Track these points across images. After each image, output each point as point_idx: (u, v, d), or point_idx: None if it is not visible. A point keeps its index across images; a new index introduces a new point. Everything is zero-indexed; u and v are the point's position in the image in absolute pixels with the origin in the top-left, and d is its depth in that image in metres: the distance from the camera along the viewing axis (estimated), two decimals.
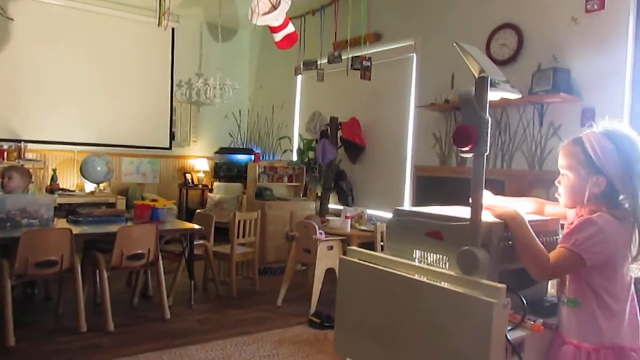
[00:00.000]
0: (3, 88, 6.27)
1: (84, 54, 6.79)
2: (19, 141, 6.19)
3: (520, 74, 4.13)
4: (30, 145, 6.28)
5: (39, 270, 3.31)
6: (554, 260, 1.39)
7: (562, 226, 1.59)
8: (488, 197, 1.59)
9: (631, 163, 1.40)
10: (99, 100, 6.92)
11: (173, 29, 7.34)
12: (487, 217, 1.44)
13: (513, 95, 1.54)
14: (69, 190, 6.37)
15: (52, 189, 6.17)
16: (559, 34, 4.01)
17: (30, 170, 4.72)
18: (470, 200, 1.37)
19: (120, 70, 7.07)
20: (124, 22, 7.01)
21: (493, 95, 1.45)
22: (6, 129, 6.25)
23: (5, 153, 5.97)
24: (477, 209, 1.35)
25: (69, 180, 6.67)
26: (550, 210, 1.65)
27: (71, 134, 6.71)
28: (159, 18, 2.93)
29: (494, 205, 1.51)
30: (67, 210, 5.07)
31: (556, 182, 1.57)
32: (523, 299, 1.35)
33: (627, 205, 1.42)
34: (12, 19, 3.13)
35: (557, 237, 1.54)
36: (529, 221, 1.44)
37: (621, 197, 1.43)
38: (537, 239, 1.40)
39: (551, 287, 1.66)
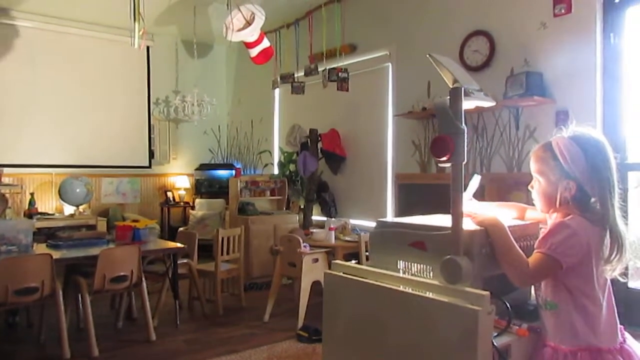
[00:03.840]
0: None
1: (60, 75, 6.71)
2: None
3: (495, 79, 4.21)
4: (5, 170, 6.16)
5: (20, 298, 3.23)
6: (532, 265, 1.41)
7: None
8: (472, 205, 1.62)
9: (598, 167, 1.43)
10: (76, 121, 6.84)
11: (148, 47, 7.30)
12: (468, 225, 1.45)
13: (487, 104, 1.57)
14: (48, 214, 6.26)
15: (31, 213, 6.05)
16: (530, 39, 4.09)
17: (7, 195, 4.64)
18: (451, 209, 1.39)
19: (97, 90, 7.00)
20: (98, 42, 6.96)
21: (468, 105, 1.47)
22: None
23: None
24: (457, 217, 1.37)
25: (48, 203, 6.56)
26: (531, 215, 1.68)
27: (48, 156, 6.61)
28: (135, 38, 2.92)
29: (475, 213, 1.53)
30: (46, 235, 4.98)
31: (529, 187, 1.60)
32: (507, 304, 1.37)
33: (598, 208, 1.45)
34: None
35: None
36: (509, 227, 1.46)
37: (592, 200, 1.46)
38: (516, 246, 1.43)
39: (534, 290, 1.68)
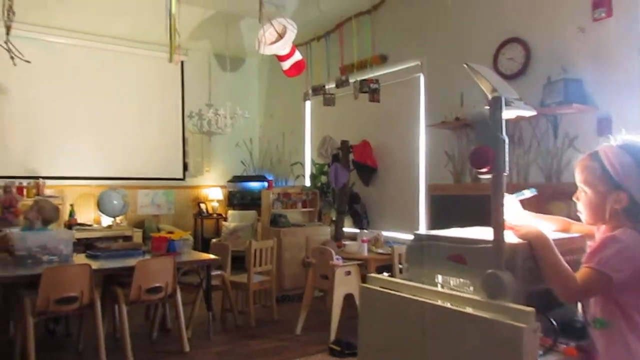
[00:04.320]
0: (22, 127, 6.40)
1: (97, 90, 6.91)
2: (37, 178, 6.27)
3: (530, 87, 4.11)
4: (48, 182, 6.36)
5: (60, 307, 3.31)
6: (581, 281, 1.34)
7: None
8: (516, 211, 1.56)
9: None
10: (113, 134, 7.02)
11: (182, 62, 7.45)
12: (510, 238, 1.41)
13: (528, 113, 1.53)
14: (87, 225, 6.42)
15: (70, 224, 6.22)
16: (567, 45, 3.99)
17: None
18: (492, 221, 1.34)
19: (133, 104, 7.18)
20: (134, 57, 7.15)
21: (507, 114, 1.44)
22: (25, 166, 6.36)
23: (25, 190, 6.05)
24: (499, 230, 1.32)
25: (87, 214, 6.73)
26: (577, 229, 1.60)
27: (87, 169, 6.80)
28: (171, 54, 2.97)
29: (517, 225, 1.48)
30: (85, 245, 5.11)
31: (574, 198, 1.53)
32: (553, 321, 1.31)
33: None
34: (29, 62, 3.20)
35: (584, 255, 1.50)
36: (554, 240, 1.40)
37: None
38: (562, 260, 1.36)
39: (581, 307, 1.61)
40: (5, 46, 3.13)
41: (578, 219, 1.58)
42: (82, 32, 6.65)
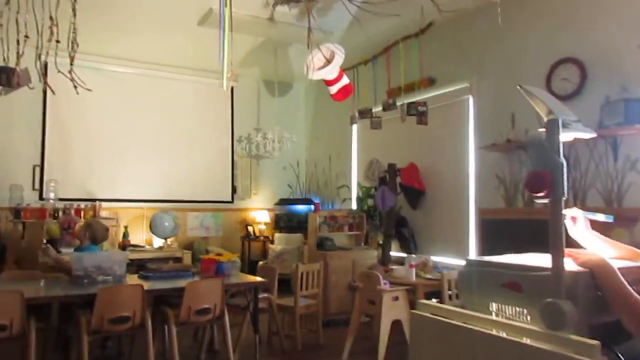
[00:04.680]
0: (82, 152, 6.72)
1: (152, 116, 7.20)
2: (94, 200, 6.54)
3: (587, 108, 3.97)
4: (104, 204, 6.62)
5: (114, 326, 3.39)
6: None
7: None
8: (581, 228, 1.48)
9: None
10: (166, 158, 7.26)
11: (232, 88, 7.66)
12: (570, 265, 1.35)
13: (586, 135, 1.48)
14: (139, 246, 6.61)
15: (124, 245, 6.43)
16: (626, 63, 3.84)
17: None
18: (550, 248, 1.29)
19: (185, 129, 7.43)
20: (187, 84, 7.42)
21: (565, 137, 1.39)
22: (83, 189, 6.65)
23: (82, 212, 6.31)
24: (558, 257, 1.27)
25: (139, 236, 6.94)
26: None
27: (141, 191, 7.04)
28: (224, 81, 3.07)
29: (577, 252, 1.41)
30: (137, 266, 5.25)
31: None
32: (621, 356, 1.23)
33: None
34: (90, 90, 3.38)
35: None
36: (619, 268, 1.33)
37: None
38: (630, 289, 1.29)
39: None
40: (69, 76, 3.31)
41: None
42: (139, 60, 6.97)
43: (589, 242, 1.50)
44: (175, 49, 6.57)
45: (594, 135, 1.48)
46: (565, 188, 1.29)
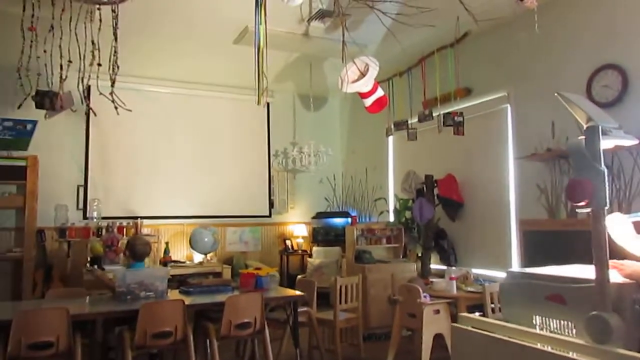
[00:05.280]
0: (123, 171, 6.93)
1: (190, 134, 7.38)
2: (136, 218, 6.72)
3: (630, 115, 3.85)
4: (145, 221, 6.79)
5: (156, 342, 3.47)
6: None
7: None
8: (626, 233, 1.44)
9: None
10: (205, 174, 7.41)
11: (268, 104, 7.79)
12: (615, 277, 1.31)
13: (628, 142, 1.44)
14: (180, 262, 6.74)
15: (165, 261, 6.57)
16: None
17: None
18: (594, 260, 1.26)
19: (222, 145, 7.57)
20: (224, 102, 7.58)
21: (606, 144, 1.36)
22: (124, 207, 6.84)
23: (125, 230, 6.50)
24: (602, 268, 1.24)
25: (179, 251, 7.08)
26: None
27: (180, 208, 7.19)
28: (259, 97, 3.14)
29: (622, 264, 1.37)
30: (178, 281, 5.35)
31: None
32: None
33: None
34: (130, 110, 3.52)
35: None
36: None
37: None
38: None
39: None
40: (110, 97, 3.45)
41: None
42: (177, 80, 7.17)
43: (637, 248, 1.45)
44: (212, 67, 6.74)
45: (635, 142, 1.44)
46: (608, 197, 1.26)
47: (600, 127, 1.32)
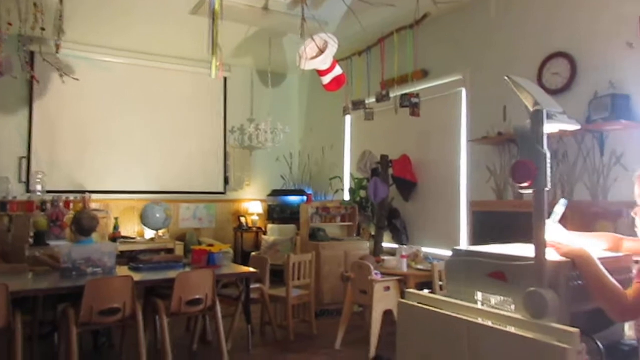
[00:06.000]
0: (71, 143, 6.67)
1: (143, 107, 7.16)
2: (84, 192, 6.51)
3: (576, 103, 4.00)
4: (94, 196, 6.59)
5: (103, 318, 3.40)
6: (633, 298, 1.29)
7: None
8: (558, 232, 1.51)
9: None
10: (158, 149, 7.23)
11: (225, 78, 7.64)
12: (552, 256, 1.36)
13: (571, 127, 1.49)
14: (130, 238, 6.60)
15: (115, 237, 6.42)
16: (615, 60, 3.87)
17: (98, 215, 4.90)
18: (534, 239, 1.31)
19: (176, 120, 7.40)
20: (179, 74, 7.38)
21: (550, 128, 1.40)
22: (71, 181, 6.60)
23: (72, 204, 6.28)
24: (541, 247, 1.29)
25: (130, 228, 6.92)
26: (628, 245, 1.54)
27: (132, 183, 7.01)
28: (213, 70, 3.06)
29: (559, 243, 1.43)
30: (128, 258, 5.24)
31: (633, 214, 1.48)
32: (599, 343, 1.26)
33: None
34: (77, 79, 3.36)
35: (631, 274, 1.44)
36: (600, 258, 1.35)
37: None
38: (610, 278, 1.31)
39: (628, 328, 1.53)
40: (55, 65, 3.29)
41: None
42: (130, 50, 6.92)
43: (577, 242, 1.51)
44: (168, 38, 6.53)
45: (578, 127, 1.50)
46: (549, 179, 1.30)
47: (545, 112, 1.35)
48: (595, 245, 1.51)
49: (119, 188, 6.93)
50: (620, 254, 1.50)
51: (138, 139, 7.11)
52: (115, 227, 6.56)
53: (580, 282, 1.33)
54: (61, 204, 6.16)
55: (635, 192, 1.45)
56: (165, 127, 7.31)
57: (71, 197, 6.38)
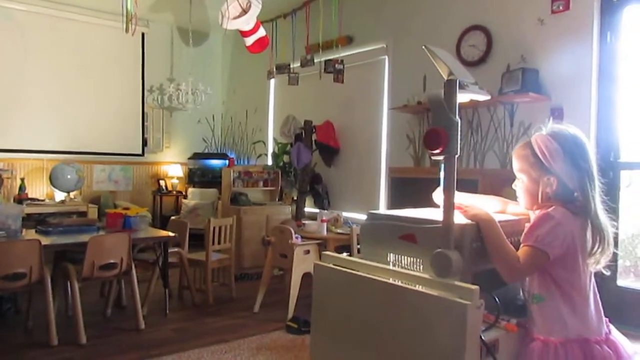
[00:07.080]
0: None
1: (53, 60, 6.64)
2: None
3: (491, 75, 4.20)
4: None
5: (7, 284, 3.20)
6: (522, 260, 1.41)
7: None
8: (460, 195, 1.60)
9: (577, 161, 1.46)
10: (69, 106, 6.77)
11: (143, 34, 7.24)
12: (459, 218, 1.44)
13: (482, 97, 1.56)
14: (38, 200, 6.21)
15: (21, 198, 6.00)
16: (527, 35, 4.08)
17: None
18: (441, 202, 1.37)
19: (90, 76, 6.94)
20: (93, 27, 6.89)
21: (462, 97, 1.46)
22: None
23: None
24: (448, 210, 1.35)
25: (39, 189, 6.51)
26: (512, 209, 1.69)
27: (40, 141, 6.55)
28: (126, 24, 2.87)
29: (466, 206, 1.52)
30: (36, 221, 4.94)
31: (513, 186, 1.61)
32: (497, 299, 1.36)
33: (580, 200, 1.46)
34: None
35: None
36: (500, 222, 1.45)
37: (575, 193, 1.47)
38: (507, 241, 1.42)
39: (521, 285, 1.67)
40: None
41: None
42: None
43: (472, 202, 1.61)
44: None
45: (488, 97, 1.57)
46: (459, 146, 1.36)
47: (458, 81, 1.40)
48: (489, 207, 1.62)
49: (26, 147, 6.46)
50: (519, 218, 1.62)
51: (48, 95, 6.61)
52: (21, 188, 6.13)
53: (480, 244, 1.43)
54: None
55: (513, 167, 1.58)
56: (78, 84, 6.84)
57: None
